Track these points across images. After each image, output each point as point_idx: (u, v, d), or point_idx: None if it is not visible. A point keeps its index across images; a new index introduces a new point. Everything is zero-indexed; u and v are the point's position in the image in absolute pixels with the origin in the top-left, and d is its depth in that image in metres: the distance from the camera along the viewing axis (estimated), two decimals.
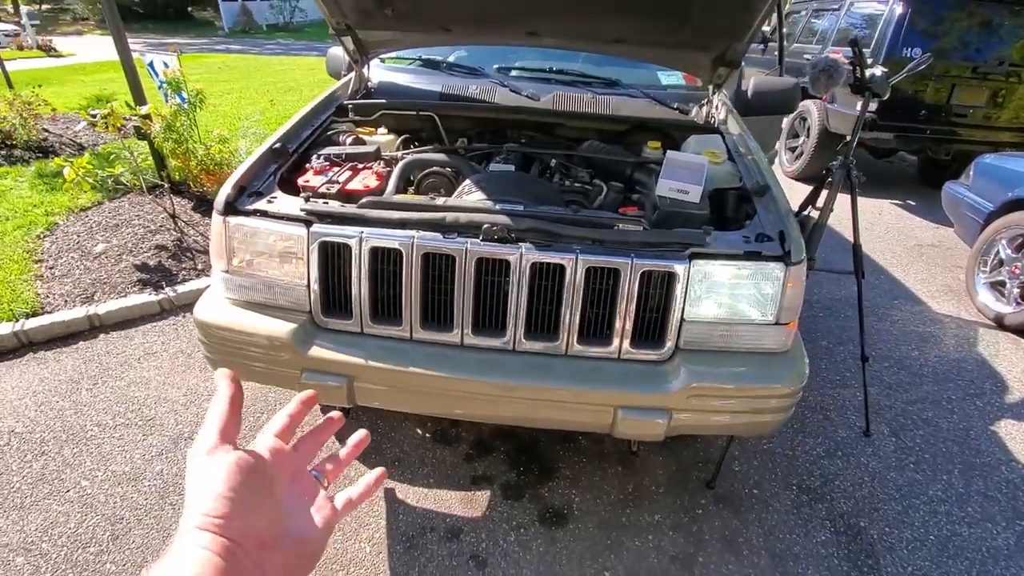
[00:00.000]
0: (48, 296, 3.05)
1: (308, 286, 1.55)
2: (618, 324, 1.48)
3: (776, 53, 3.52)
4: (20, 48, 17.61)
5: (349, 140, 2.07)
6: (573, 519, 1.95)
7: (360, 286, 1.51)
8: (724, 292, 1.48)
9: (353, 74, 2.42)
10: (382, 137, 2.19)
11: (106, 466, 2.09)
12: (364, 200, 1.56)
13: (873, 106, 4.85)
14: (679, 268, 1.43)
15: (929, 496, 2.09)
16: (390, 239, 1.46)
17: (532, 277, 1.46)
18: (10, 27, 19.05)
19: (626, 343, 1.50)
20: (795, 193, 3.64)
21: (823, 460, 2.25)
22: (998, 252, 3.32)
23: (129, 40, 4.02)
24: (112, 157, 4.54)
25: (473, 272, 1.46)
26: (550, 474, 2.12)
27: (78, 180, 3.22)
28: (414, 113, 2.24)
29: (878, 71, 1.84)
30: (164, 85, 3.77)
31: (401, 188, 1.79)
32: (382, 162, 1.89)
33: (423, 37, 2.29)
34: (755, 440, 2.31)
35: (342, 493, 0.50)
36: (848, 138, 2.15)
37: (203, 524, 0.36)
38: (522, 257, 1.43)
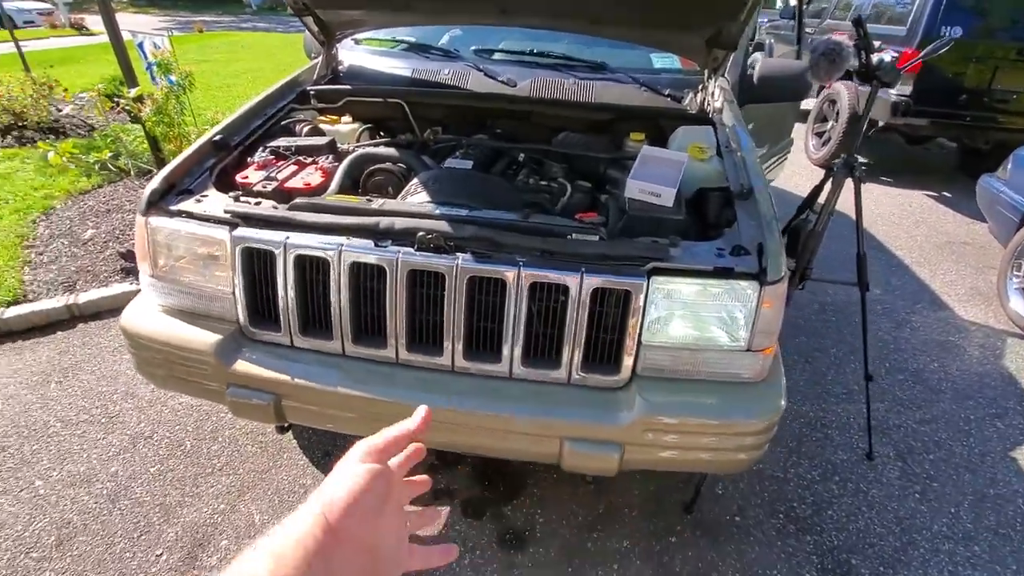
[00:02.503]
0: (33, 283, 3.03)
1: (234, 294, 1.42)
2: (567, 346, 1.32)
3: (811, 29, 3.22)
4: (53, 26, 17.96)
5: (306, 130, 1.93)
6: (534, 542, 1.82)
7: (287, 296, 1.38)
8: (689, 313, 1.30)
9: (321, 57, 2.26)
10: (345, 127, 2.04)
11: (62, 465, 2.04)
12: (295, 201, 1.42)
13: (907, 89, 4.49)
14: (636, 285, 1.26)
15: (932, 532, 1.89)
16: (316, 246, 1.33)
17: (471, 291, 1.31)
18: (44, 5, 19.42)
19: (576, 367, 1.34)
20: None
21: (817, 485, 2.06)
22: None
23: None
24: (110, 140, 4.51)
25: (405, 284, 1.31)
26: (517, 491, 1.99)
27: (62, 165, 3.18)
28: (381, 100, 2.08)
29: (887, 56, 1.59)
30: (152, 67, 3.68)
31: (347, 186, 1.64)
32: (332, 156, 1.75)
33: (386, 16, 2.11)
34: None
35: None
36: (859, 130, 1.89)
37: (324, 510, 0.42)
38: (458, 269, 1.28)
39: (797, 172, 5.17)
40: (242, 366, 1.40)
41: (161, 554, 1.75)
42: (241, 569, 0.37)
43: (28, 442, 2.14)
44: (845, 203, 2.22)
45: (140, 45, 3.77)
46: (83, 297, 2.89)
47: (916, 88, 4.38)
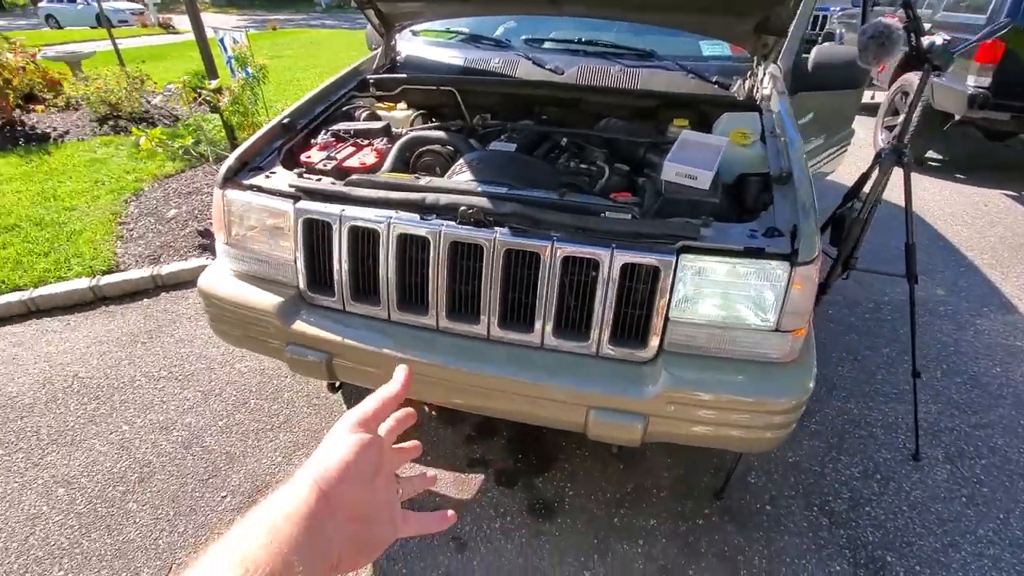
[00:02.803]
0: (124, 255, 3.37)
1: (295, 262, 1.57)
2: (596, 319, 1.38)
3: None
4: (144, 26, 19.45)
5: (364, 115, 2.08)
6: (563, 513, 1.89)
7: (341, 264, 1.52)
8: (718, 292, 1.33)
9: (380, 48, 2.40)
10: (400, 113, 2.17)
11: (145, 414, 2.30)
12: (351, 178, 1.55)
13: (986, 80, 4.19)
14: (665, 262, 1.30)
15: (977, 536, 1.82)
16: (368, 219, 1.45)
17: (507, 264, 1.39)
18: (135, 6, 21.07)
19: (605, 340, 1.40)
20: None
21: (856, 482, 2.02)
22: None
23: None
24: (191, 128, 4.90)
25: (447, 256, 1.41)
26: (548, 465, 2.07)
27: (151, 150, 3.51)
28: (434, 88, 2.19)
29: (938, 39, 1.53)
30: (232, 61, 3.98)
31: (399, 166, 1.76)
32: (387, 139, 1.88)
33: (442, 8, 2.22)
34: (779, 451, 2.12)
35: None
36: (909, 117, 1.82)
37: (317, 480, 0.43)
38: (495, 242, 1.37)
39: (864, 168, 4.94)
40: (300, 326, 1.55)
41: (226, 496, 1.95)
42: (238, 547, 0.37)
43: (118, 393, 2.41)
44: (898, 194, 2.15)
45: (221, 41, 4.09)
46: (165, 269, 3.20)
47: (995, 80, 4.07)
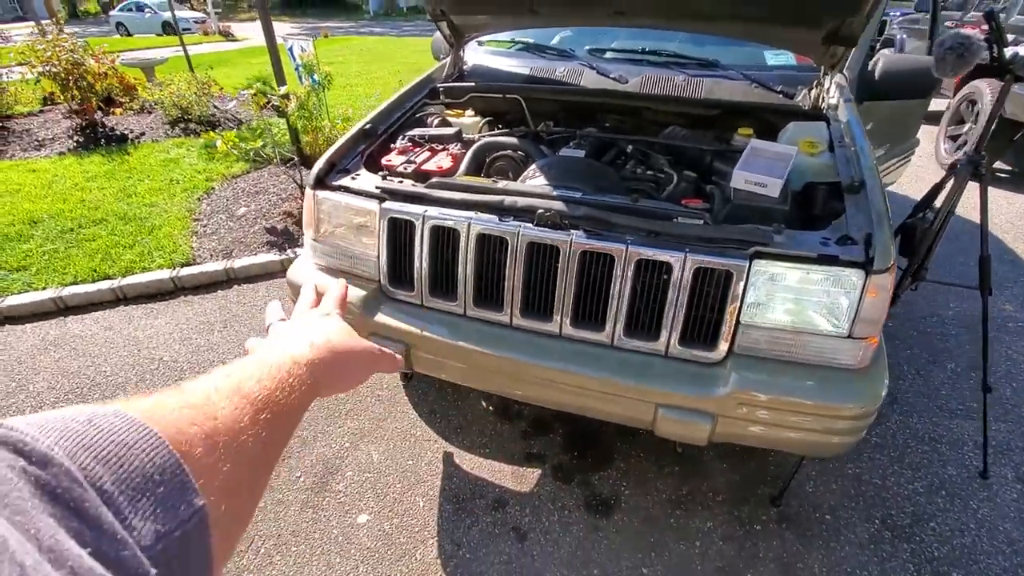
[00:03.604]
0: (199, 250, 3.61)
1: (378, 257, 1.69)
2: (667, 320, 1.43)
3: (951, 24, 3.01)
4: (205, 33, 20.47)
5: (435, 122, 2.19)
6: (619, 511, 1.94)
7: (421, 261, 1.62)
8: (790, 298, 1.36)
9: (449, 57, 2.52)
10: (468, 119, 2.27)
11: None
12: (432, 180, 1.65)
13: None
14: (737, 267, 1.35)
15: None
16: (449, 219, 1.54)
17: (582, 265, 1.46)
18: (198, 15, 22.21)
19: (675, 340, 1.45)
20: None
21: (920, 497, 1.99)
22: None
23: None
24: (258, 132, 5.17)
25: (524, 256, 1.49)
26: (604, 463, 2.12)
27: (226, 151, 3.74)
28: (500, 96, 2.29)
29: (1022, 49, 1.52)
30: (300, 68, 4.20)
31: (472, 170, 1.86)
32: (460, 144, 1.98)
33: (513, 20, 2.32)
34: (839, 461, 2.11)
35: None
36: (988, 126, 1.79)
37: (317, 343, 0.51)
38: (571, 244, 1.44)
39: (924, 178, 4.78)
40: (381, 319, 1.66)
41: (300, 476, 2.08)
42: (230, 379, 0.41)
43: (198, 375, 2.59)
44: (964, 206, 2.11)
45: (290, 49, 4.32)
46: (237, 263, 3.40)
47: None
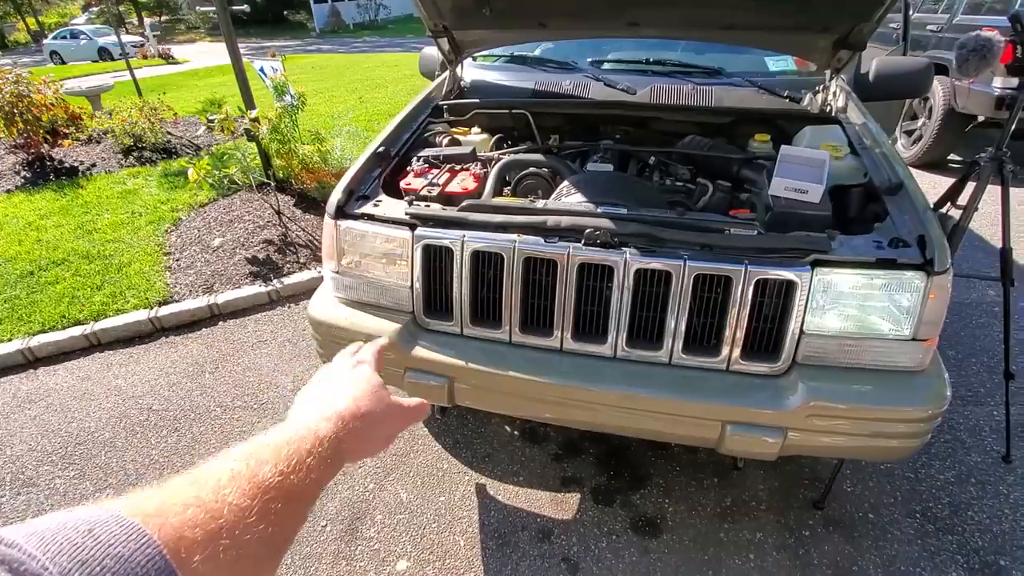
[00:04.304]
0: (176, 286, 3.38)
1: (411, 287, 1.59)
2: (728, 334, 1.40)
3: (894, 26, 3.16)
4: (144, 57, 19.64)
5: (445, 141, 2.11)
6: (667, 530, 1.88)
7: (461, 288, 1.53)
8: (852, 304, 1.35)
9: (447, 74, 2.45)
10: (476, 137, 2.20)
11: (227, 444, 2.28)
12: (465, 203, 1.57)
13: (1013, 81, 4.27)
14: (800, 277, 1.32)
15: None
16: (492, 243, 1.47)
17: (636, 283, 1.41)
18: (136, 39, 21.30)
19: (736, 354, 1.41)
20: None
21: (952, 486, 2.02)
22: None
23: None
24: (225, 157, 4.94)
25: (575, 277, 1.43)
26: (641, 481, 2.06)
27: (199, 180, 3.53)
28: (507, 112, 2.23)
29: None
30: (273, 89, 4.04)
31: (498, 189, 1.79)
32: (478, 163, 1.90)
33: (519, 34, 2.27)
34: (870, 461, 2.12)
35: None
36: (1010, 125, 1.85)
37: (343, 412, 0.50)
38: (626, 263, 1.39)
39: None
40: (420, 352, 1.56)
41: (326, 525, 1.93)
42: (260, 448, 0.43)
43: (195, 424, 2.40)
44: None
45: (261, 69, 4.14)
46: (221, 298, 3.20)
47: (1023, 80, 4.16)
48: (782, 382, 1.40)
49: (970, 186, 1.88)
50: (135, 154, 5.96)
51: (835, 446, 1.39)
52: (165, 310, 3.10)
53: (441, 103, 2.29)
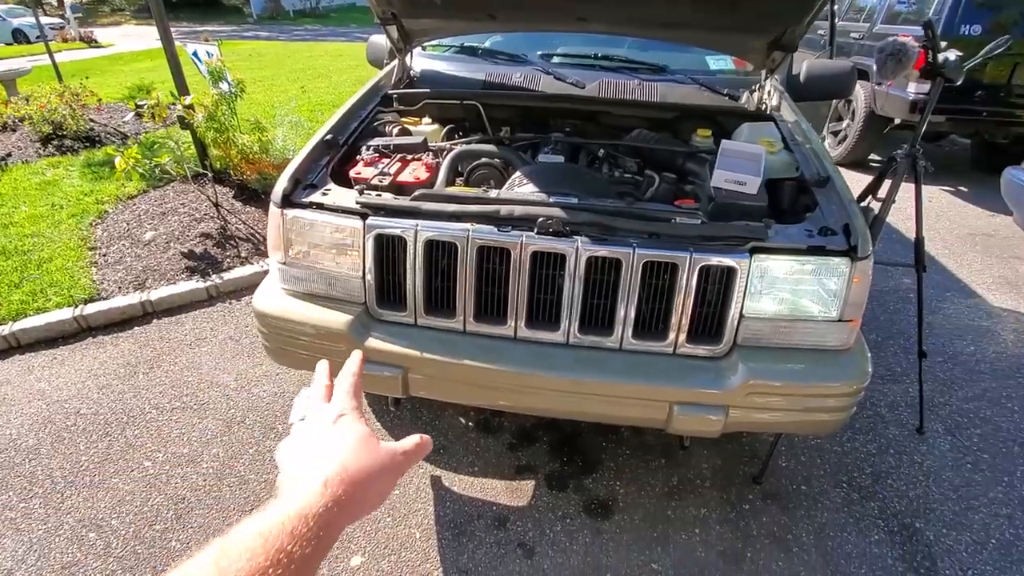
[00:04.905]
0: (103, 283, 3.16)
1: (363, 278, 1.56)
2: (674, 319, 1.46)
3: (822, 32, 3.36)
4: (65, 40, 18.13)
5: (395, 131, 2.08)
6: (618, 511, 1.95)
7: (414, 278, 1.52)
8: (786, 288, 1.44)
9: (396, 63, 2.41)
10: (427, 127, 2.19)
11: (166, 447, 2.17)
12: (418, 193, 1.56)
13: (924, 87, 4.63)
14: (740, 263, 1.40)
15: (989, 498, 2.02)
16: (445, 232, 1.47)
17: (587, 271, 1.45)
18: (55, 20, 19.64)
19: (682, 338, 1.48)
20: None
21: (874, 457, 2.19)
22: None
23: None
24: (155, 146, 4.65)
25: (528, 265, 1.45)
26: (593, 466, 2.12)
27: (128, 170, 3.31)
28: (458, 102, 2.22)
29: (952, 55, 1.74)
30: (208, 74, 3.83)
31: (451, 180, 1.78)
32: (430, 153, 1.89)
33: (468, 24, 2.27)
34: (802, 436, 2.27)
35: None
36: (922, 124, 2.02)
37: (331, 479, 0.44)
38: (578, 251, 1.42)
39: None
40: (373, 343, 1.54)
41: None
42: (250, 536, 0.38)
43: (129, 428, 2.27)
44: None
45: (194, 54, 3.92)
46: (155, 294, 3.03)
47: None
48: (724, 363, 1.47)
49: (888, 181, 2.05)
50: (55, 142, 5.53)
51: (772, 421, 1.49)
52: (92, 308, 2.90)
53: (391, 92, 2.26)
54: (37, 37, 17.73)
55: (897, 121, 5.06)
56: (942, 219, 4.48)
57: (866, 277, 1.43)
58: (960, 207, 4.76)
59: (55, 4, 23.79)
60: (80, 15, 21.78)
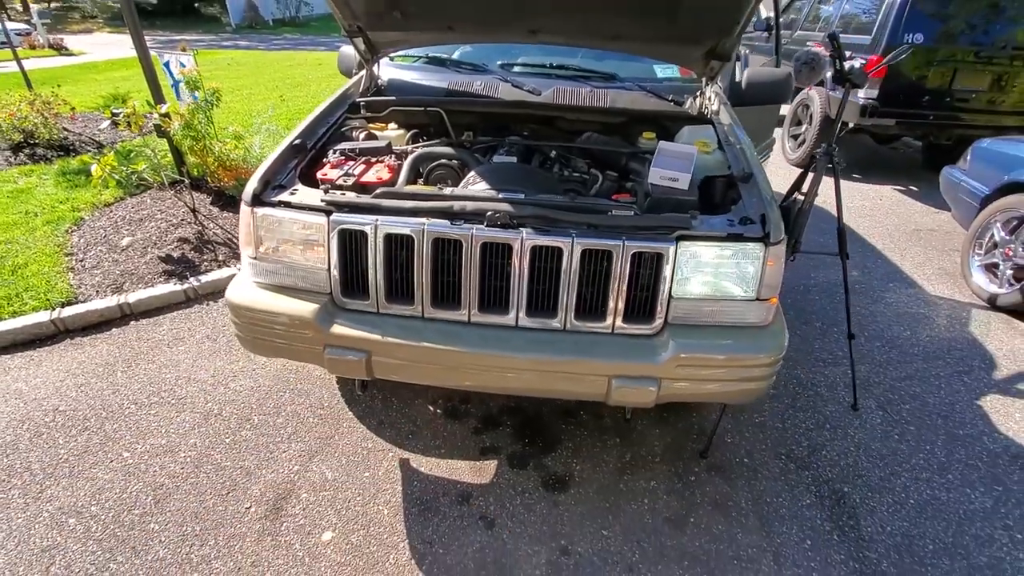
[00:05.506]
0: (80, 287, 3.23)
1: (328, 270, 1.70)
2: (611, 302, 1.62)
3: (784, 40, 3.59)
4: (32, 47, 17.86)
5: (362, 136, 2.22)
6: (574, 485, 2.10)
7: (376, 269, 1.66)
8: (709, 271, 1.61)
9: (364, 72, 2.55)
10: (393, 132, 2.33)
11: (144, 440, 2.27)
12: (378, 191, 1.70)
13: (874, 92, 4.91)
14: (667, 249, 1.57)
15: (912, 464, 2.21)
16: (403, 226, 1.61)
17: (532, 259, 1.60)
18: (21, 26, 19.34)
19: (619, 319, 1.64)
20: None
21: (811, 432, 2.38)
22: (992, 235, 3.40)
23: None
24: (132, 154, 4.72)
25: (478, 255, 1.60)
26: (553, 445, 2.27)
27: (104, 177, 3.39)
28: (422, 109, 2.37)
29: (856, 63, 1.94)
30: (180, 84, 3.92)
31: (411, 180, 1.93)
32: (393, 156, 2.04)
33: (429, 36, 2.42)
34: (747, 413, 2.45)
35: None
36: (836, 125, 2.23)
37: None
38: (523, 241, 1.57)
39: (775, 171, 5.60)
40: (338, 330, 1.67)
41: (250, 507, 1.99)
42: None
43: (108, 422, 2.36)
44: (827, 201, 2.58)
45: (167, 64, 4.01)
46: (133, 297, 3.11)
47: (882, 91, 4.83)
48: (656, 341, 1.64)
49: (811, 176, 2.25)
50: (26, 151, 5.54)
51: (700, 391, 1.65)
52: (69, 311, 2.97)
53: (358, 100, 2.40)
54: (2, 43, 17.48)
55: (851, 125, 5.34)
56: (891, 216, 4.75)
57: (779, 260, 1.61)
58: (908, 205, 5.05)
59: (20, 9, 23.38)
60: (48, 21, 21.47)
